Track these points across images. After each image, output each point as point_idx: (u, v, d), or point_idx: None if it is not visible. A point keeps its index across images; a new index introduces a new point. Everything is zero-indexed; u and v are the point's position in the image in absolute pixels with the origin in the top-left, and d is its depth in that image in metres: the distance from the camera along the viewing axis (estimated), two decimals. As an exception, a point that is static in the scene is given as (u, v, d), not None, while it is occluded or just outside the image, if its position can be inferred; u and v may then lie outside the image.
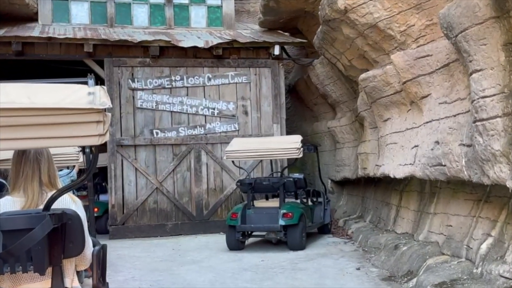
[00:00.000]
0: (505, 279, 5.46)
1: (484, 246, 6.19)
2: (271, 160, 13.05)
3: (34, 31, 12.45)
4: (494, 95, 5.20)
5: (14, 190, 3.31)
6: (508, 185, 4.98)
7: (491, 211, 6.38)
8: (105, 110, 2.78)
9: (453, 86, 6.96)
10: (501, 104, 5.09)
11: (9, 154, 5.76)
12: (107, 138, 2.86)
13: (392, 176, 8.87)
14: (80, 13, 13.75)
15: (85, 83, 3.24)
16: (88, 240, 3.36)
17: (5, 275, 3.05)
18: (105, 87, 2.96)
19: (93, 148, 3.16)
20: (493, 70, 5.21)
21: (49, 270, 3.08)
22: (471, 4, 5.31)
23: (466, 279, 6.07)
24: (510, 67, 5.01)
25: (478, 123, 5.44)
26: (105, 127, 2.80)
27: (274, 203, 10.94)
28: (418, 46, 7.89)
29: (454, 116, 6.75)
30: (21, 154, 3.30)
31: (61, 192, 3.14)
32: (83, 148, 6.08)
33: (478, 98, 5.42)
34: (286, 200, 10.88)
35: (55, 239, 3.03)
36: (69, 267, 3.31)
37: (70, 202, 3.32)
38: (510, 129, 4.96)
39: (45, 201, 3.07)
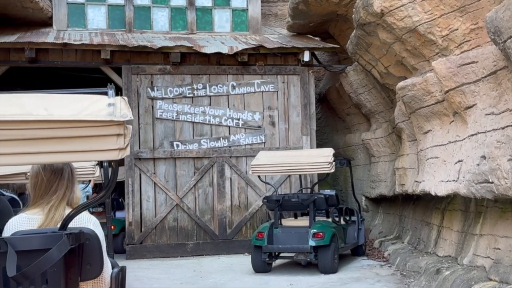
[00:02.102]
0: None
1: (536, 272, 6.10)
2: (300, 175, 13.02)
3: (48, 36, 12.64)
4: (547, 105, 5.13)
5: (32, 207, 3.34)
6: None
7: (544, 233, 6.29)
8: (125, 122, 2.81)
9: (501, 96, 6.87)
10: (555, 115, 5.02)
11: (20, 168, 5.81)
12: (127, 152, 2.87)
13: (433, 193, 8.77)
14: (97, 18, 13.94)
15: (105, 93, 3.27)
16: (107, 262, 3.37)
17: None
18: (126, 98, 2.99)
19: (112, 163, 3.19)
20: (546, 79, 5.15)
21: None
22: (521, 7, 5.27)
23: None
24: None
25: (529, 137, 5.37)
26: (126, 140, 2.82)
27: (303, 222, 10.91)
28: (461, 52, 7.83)
29: (503, 128, 6.66)
30: (49, 169, 3.33)
31: (78, 210, 3.16)
32: (100, 162, 6.15)
33: (529, 109, 5.36)
34: (317, 218, 10.83)
35: (72, 261, 3.05)
36: None
37: (88, 221, 3.35)
38: None
39: (62, 220, 3.10)
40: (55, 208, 3.29)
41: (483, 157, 6.97)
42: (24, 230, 3.11)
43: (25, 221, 3.27)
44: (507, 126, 6.58)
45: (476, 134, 7.42)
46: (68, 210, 3.20)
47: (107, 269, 3.42)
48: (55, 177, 3.33)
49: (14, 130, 2.66)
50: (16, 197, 6.79)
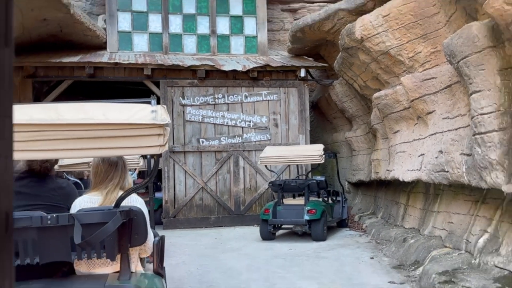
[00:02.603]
0: (499, 269, 5.37)
1: (481, 241, 6.08)
2: (297, 165, 13.01)
3: (103, 57, 12.68)
4: (491, 112, 5.10)
5: (93, 190, 3.36)
6: (503, 189, 4.88)
7: (488, 211, 6.26)
8: (164, 125, 2.81)
9: (454, 104, 6.85)
10: (497, 120, 5.00)
11: (83, 159, 5.83)
12: (166, 148, 2.89)
13: (401, 179, 8.76)
14: (140, 43, 13.95)
15: (149, 102, 3.27)
16: (150, 232, 3.40)
17: (83, 261, 3.11)
18: (165, 106, 2.99)
19: (154, 156, 3.20)
20: (490, 91, 5.12)
21: (118, 256, 3.13)
22: (471, 35, 5.23)
23: (466, 269, 5.95)
24: (505, 89, 4.91)
25: (477, 136, 5.34)
26: (165, 139, 2.84)
27: (300, 201, 10.89)
28: (424, 70, 7.80)
29: (456, 129, 6.64)
30: (107, 162, 3.35)
31: (128, 193, 3.19)
32: (144, 155, 6.17)
33: (477, 115, 5.33)
34: (310, 198, 10.81)
35: (123, 232, 3.09)
36: (134, 254, 3.35)
37: (136, 201, 3.37)
38: (505, 142, 4.86)
39: (116, 200, 3.12)
40: (111, 192, 3.31)
41: (440, 151, 6.96)
42: (86, 208, 3.15)
43: (88, 201, 3.30)
44: (459, 128, 6.57)
45: (435, 133, 7.41)
46: (121, 193, 3.23)
47: (151, 238, 3.44)
48: (111, 168, 3.35)
49: (80, 131, 2.69)
50: (79, 181, 6.80)
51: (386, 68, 8.66)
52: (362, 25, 8.44)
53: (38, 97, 12.51)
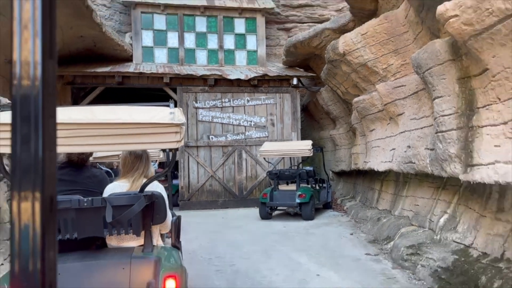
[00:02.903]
0: (456, 243, 5.38)
1: (442, 220, 6.08)
2: (290, 158, 12.99)
3: (129, 68, 12.66)
4: (450, 114, 5.09)
5: (122, 178, 3.36)
6: (460, 178, 4.87)
7: (447, 195, 6.26)
8: (181, 124, 2.80)
9: (420, 107, 6.83)
10: (455, 121, 4.98)
11: (113, 152, 5.82)
12: (182, 143, 2.88)
13: (376, 169, 8.75)
14: (160, 56, 13.89)
15: (167, 105, 3.26)
16: (169, 213, 3.39)
17: (113, 236, 3.11)
18: (181, 109, 2.98)
19: (172, 150, 3.20)
20: (450, 97, 5.10)
21: (142, 233, 3.13)
22: (434, 50, 5.21)
23: (429, 243, 5.96)
24: (462, 94, 4.89)
25: (439, 134, 5.33)
26: (181, 136, 2.83)
27: (292, 187, 10.90)
28: (395, 79, 7.77)
29: (421, 128, 6.63)
30: (133, 155, 3.35)
31: (151, 180, 3.18)
32: (163, 149, 6.16)
33: (439, 116, 5.32)
34: (301, 185, 10.82)
35: (147, 212, 3.09)
36: (156, 231, 3.35)
37: (157, 187, 3.36)
38: (462, 138, 4.84)
39: (141, 186, 3.12)
40: (136, 180, 3.31)
41: (409, 146, 6.95)
42: (116, 193, 3.14)
43: (117, 187, 3.30)
44: (424, 127, 6.56)
45: (404, 132, 7.39)
46: (144, 180, 3.22)
47: (169, 217, 3.44)
48: (137, 159, 3.35)
49: (110, 129, 2.68)
50: (110, 170, 6.78)
51: (363, 77, 8.64)
52: (344, 42, 8.41)
53: (76, 101, 12.49)
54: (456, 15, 3.98)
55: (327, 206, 11.99)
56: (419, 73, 5.80)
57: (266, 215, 10.56)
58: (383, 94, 7.82)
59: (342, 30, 10.38)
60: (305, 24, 15.74)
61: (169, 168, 3.38)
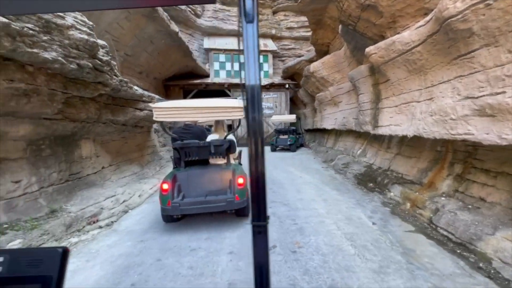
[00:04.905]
0: (365, 163, 5.33)
1: (359, 152, 6.00)
2: (284, 123, 12.37)
3: (208, 80, 12.32)
4: (366, 102, 4.89)
5: (214, 132, 3.34)
6: (370, 132, 4.76)
7: (362, 140, 6.14)
8: (243, 107, 2.73)
9: (350, 99, 6.55)
10: (369, 105, 4.79)
11: (211, 120, 5.58)
12: (243, 116, 2.83)
13: (326, 128, 8.55)
14: (222, 73, 13.43)
15: (234, 98, 3.14)
16: (236, 148, 3.39)
17: (213, 159, 3.07)
18: (240, 99, 2.91)
19: (239, 119, 3.16)
20: (367, 93, 4.87)
21: (225, 157, 3.14)
22: (360, 70, 4.94)
23: (352, 163, 5.92)
24: (374, 92, 4.67)
25: (361, 111, 5.16)
26: (244, 113, 2.77)
27: (286, 136, 10.69)
28: (338, 85, 7.39)
29: (350, 109, 6.40)
30: (217, 122, 3.33)
31: (228, 133, 3.18)
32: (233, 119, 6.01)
33: (361, 103, 5.11)
34: (289, 135, 10.68)
35: (227, 148, 2.97)
36: (231, 156, 3.32)
37: (231, 136, 3.36)
38: (371, 114, 4.67)
39: (224, 136, 3.14)
40: (221, 133, 3.29)
41: (344, 117, 6.72)
42: (213, 139, 3.15)
43: (213, 136, 3.27)
44: (352, 108, 6.31)
45: (342, 110, 7.12)
46: (225, 133, 3.22)
47: (237, 150, 3.43)
48: (220, 123, 3.31)
49: (204, 109, 2.59)
50: (208, 128, 6.70)
51: (322, 84, 8.26)
52: (312, 66, 7.97)
53: (185, 97, 12.34)
54: (375, 52, 3.70)
55: (302, 146, 11.86)
56: (352, 82, 5.51)
57: (273, 149, 10.53)
58: (331, 92, 7.50)
59: (311, 60, 9.80)
60: (291, 57, 14.80)
61: (236, 128, 3.35)
